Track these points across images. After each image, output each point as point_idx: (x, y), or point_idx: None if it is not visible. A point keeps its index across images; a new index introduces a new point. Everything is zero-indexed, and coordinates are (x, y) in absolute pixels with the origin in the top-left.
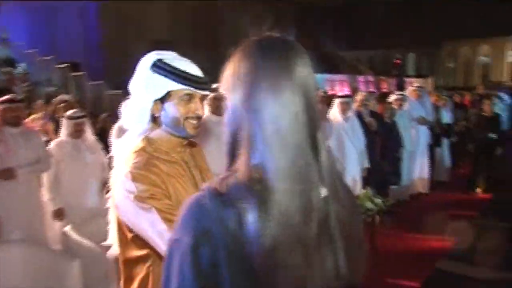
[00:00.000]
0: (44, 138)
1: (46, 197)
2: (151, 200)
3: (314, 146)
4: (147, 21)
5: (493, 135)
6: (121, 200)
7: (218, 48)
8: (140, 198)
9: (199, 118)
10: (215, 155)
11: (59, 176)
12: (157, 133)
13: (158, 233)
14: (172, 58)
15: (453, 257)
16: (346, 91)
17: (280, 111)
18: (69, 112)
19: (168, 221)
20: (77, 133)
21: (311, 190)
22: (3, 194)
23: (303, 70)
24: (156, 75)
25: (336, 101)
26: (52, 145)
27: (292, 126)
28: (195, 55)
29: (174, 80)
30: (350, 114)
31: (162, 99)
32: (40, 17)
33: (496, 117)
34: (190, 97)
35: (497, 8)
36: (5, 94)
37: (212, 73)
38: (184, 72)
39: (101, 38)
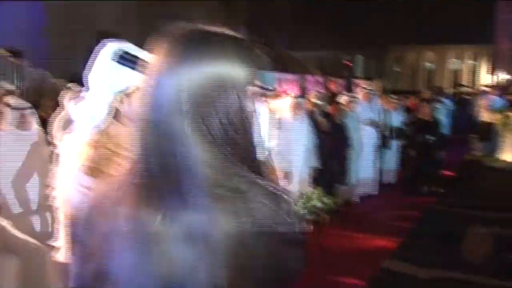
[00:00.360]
0: None
1: None
2: None
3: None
4: (95, 11)
5: (431, 137)
6: (75, 196)
7: None
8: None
9: None
10: None
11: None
12: (115, 126)
13: None
14: (135, 49)
15: (398, 256)
16: (295, 90)
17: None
18: (13, 102)
19: None
20: (22, 124)
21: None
22: None
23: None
24: (121, 67)
25: (289, 100)
26: None
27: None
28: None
29: (138, 71)
30: (301, 113)
31: (127, 91)
32: None
33: (435, 121)
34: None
35: (442, 16)
36: None
37: None
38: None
39: (45, 24)
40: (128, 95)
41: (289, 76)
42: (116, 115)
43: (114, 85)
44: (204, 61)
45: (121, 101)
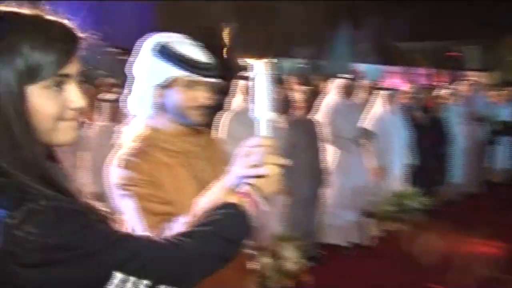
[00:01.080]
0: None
1: (87, 179)
2: (134, 187)
3: None
4: (204, 8)
5: None
6: (111, 187)
7: None
8: (123, 186)
9: (204, 106)
10: None
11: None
12: (161, 120)
13: (132, 221)
14: (176, 41)
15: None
16: (400, 83)
17: None
18: (108, 95)
19: (145, 210)
20: (115, 117)
21: None
22: None
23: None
24: (157, 60)
25: (380, 93)
26: (92, 129)
27: None
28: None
29: (175, 65)
30: (395, 107)
31: (164, 86)
32: (95, 2)
33: None
34: (193, 84)
35: None
36: None
37: None
38: (185, 57)
39: (154, 25)
40: (163, 88)
41: (395, 69)
42: (161, 108)
43: (151, 78)
44: None
45: (158, 95)
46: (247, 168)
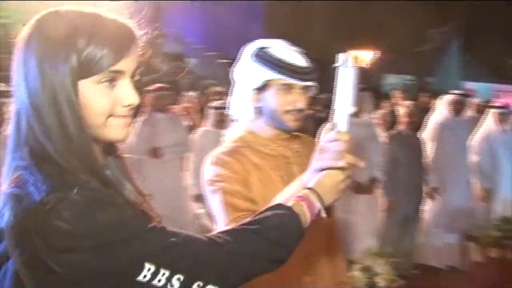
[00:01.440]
0: (186, 124)
1: (189, 181)
2: (222, 183)
3: None
4: (311, 20)
5: None
6: (204, 184)
7: None
8: (212, 181)
9: (299, 111)
10: None
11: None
12: (259, 124)
13: (218, 216)
14: (275, 46)
15: None
16: None
17: None
18: (215, 103)
19: (229, 204)
20: (220, 123)
21: None
22: (150, 170)
23: None
24: (255, 64)
25: (491, 112)
26: (197, 133)
27: None
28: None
29: (270, 69)
30: (507, 126)
31: (261, 89)
32: (210, 15)
33: None
34: (288, 87)
35: None
36: (171, 85)
37: None
38: (281, 60)
39: (263, 37)
40: (260, 92)
41: (508, 87)
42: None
43: (249, 82)
44: None
45: (255, 99)
46: (324, 161)
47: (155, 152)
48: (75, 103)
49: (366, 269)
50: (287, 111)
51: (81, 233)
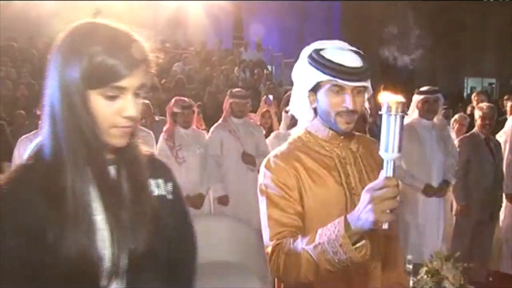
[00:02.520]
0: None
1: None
2: (269, 189)
3: None
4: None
5: None
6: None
7: None
8: (260, 186)
9: (351, 112)
10: None
11: None
12: (316, 124)
13: (262, 225)
14: (330, 47)
15: None
16: None
17: None
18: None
19: (274, 219)
20: (292, 126)
21: None
22: (232, 174)
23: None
24: (309, 65)
25: None
26: (270, 136)
27: None
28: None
29: (321, 70)
30: None
31: (315, 90)
32: (289, 22)
33: None
34: (339, 89)
35: None
36: (250, 91)
37: None
38: (330, 61)
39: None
40: (314, 93)
41: None
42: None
43: (304, 83)
44: None
45: (311, 100)
46: (370, 213)
47: (250, 159)
48: (86, 108)
49: (434, 273)
50: (338, 113)
51: None
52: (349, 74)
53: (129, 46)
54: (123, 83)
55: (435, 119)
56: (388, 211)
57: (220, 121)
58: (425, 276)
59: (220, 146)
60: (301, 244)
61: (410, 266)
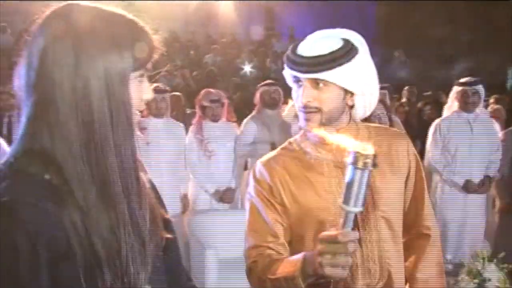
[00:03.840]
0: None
1: None
2: (252, 198)
3: None
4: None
5: None
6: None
7: None
8: (247, 193)
9: (305, 108)
10: None
11: None
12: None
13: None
14: (311, 36)
15: None
16: None
17: None
18: None
19: (254, 231)
20: None
21: None
22: None
23: None
24: (286, 67)
25: None
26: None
27: None
28: None
29: (285, 62)
30: None
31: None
32: (322, 14)
33: None
34: (298, 81)
35: None
36: (282, 83)
37: None
38: (288, 52)
39: (375, 36)
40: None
41: None
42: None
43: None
44: None
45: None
46: (322, 269)
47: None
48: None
49: (475, 274)
50: (298, 108)
51: None
52: (300, 64)
53: (144, 30)
54: (148, 65)
55: (476, 111)
56: (340, 267)
57: (253, 113)
58: (466, 277)
59: (253, 138)
60: (267, 272)
61: (450, 266)
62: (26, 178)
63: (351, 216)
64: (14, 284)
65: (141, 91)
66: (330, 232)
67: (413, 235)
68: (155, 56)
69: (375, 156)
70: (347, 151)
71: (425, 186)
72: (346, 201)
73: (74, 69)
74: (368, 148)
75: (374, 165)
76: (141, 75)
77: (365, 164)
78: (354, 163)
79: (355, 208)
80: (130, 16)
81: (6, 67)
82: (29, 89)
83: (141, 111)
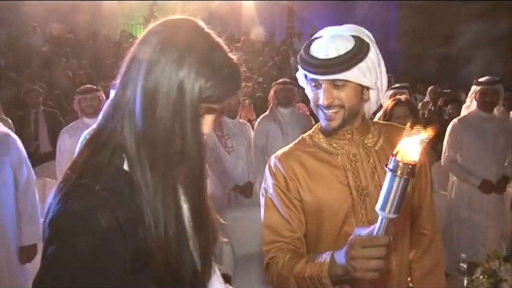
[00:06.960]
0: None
1: None
2: (268, 193)
3: None
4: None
5: None
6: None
7: None
8: (262, 188)
9: (327, 108)
10: None
11: None
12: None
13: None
14: (323, 35)
15: None
16: None
17: None
18: None
19: (269, 227)
20: None
21: None
22: None
23: None
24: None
25: None
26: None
27: None
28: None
29: (299, 64)
30: None
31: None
32: (342, 9)
33: None
34: (316, 83)
35: None
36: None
37: None
38: (306, 54)
39: (396, 31)
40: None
41: None
42: None
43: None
44: None
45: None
46: (354, 272)
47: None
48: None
49: (490, 274)
50: (317, 108)
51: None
52: (318, 67)
53: (232, 69)
54: (217, 105)
55: (495, 111)
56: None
57: (267, 112)
58: (481, 277)
59: (266, 136)
60: (289, 269)
61: (464, 265)
62: (112, 170)
63: (387, 222)
64: (104, 260)
65: (206, 123)
66: (362, 236)
67: (412, 234)
68: (222, 100)
69: (414, 165)
70: (390, 156)
71: (429, 186)
72: (383, 207)
73: (175, 76)
74: (412, 155)
75: (413, 174)
76: (204, 112)
77: (404, 172)
78: (394, 170)
79: (390, 214)
80: (234, 58)
81: (36, 66)
82: (134, 91)
83: None
